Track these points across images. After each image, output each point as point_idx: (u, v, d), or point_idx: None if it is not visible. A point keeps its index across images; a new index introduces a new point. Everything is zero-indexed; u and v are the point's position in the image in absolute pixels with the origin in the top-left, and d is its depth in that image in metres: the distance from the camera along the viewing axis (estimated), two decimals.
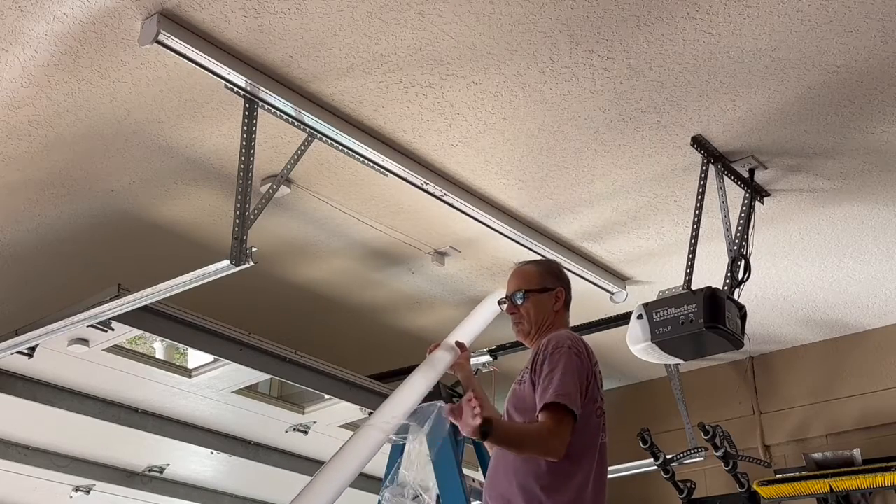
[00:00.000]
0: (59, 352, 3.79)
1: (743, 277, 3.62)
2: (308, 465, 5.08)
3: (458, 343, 3.41)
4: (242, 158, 3.12)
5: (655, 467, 4.91)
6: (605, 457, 2.76)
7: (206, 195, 3.82)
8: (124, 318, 3.54)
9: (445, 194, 3.70)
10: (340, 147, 3.40)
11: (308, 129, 3.32)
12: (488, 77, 3.16)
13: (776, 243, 4.22)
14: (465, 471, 3.42)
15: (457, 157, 3.60)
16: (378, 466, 4.12)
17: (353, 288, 4.60)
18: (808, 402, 5.19)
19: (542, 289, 2.92)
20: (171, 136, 3.44)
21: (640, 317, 3.52)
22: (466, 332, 3.86)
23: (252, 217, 3.11)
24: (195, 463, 4.96)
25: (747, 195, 3.71)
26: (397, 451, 3.54)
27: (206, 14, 2.84)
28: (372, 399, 4.44)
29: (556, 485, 2.61)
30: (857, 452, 4.68)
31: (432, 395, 3.60)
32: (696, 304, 3.39)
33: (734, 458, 4.78)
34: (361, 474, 5.22)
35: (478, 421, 2.50)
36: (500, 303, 3.02)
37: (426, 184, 3.63)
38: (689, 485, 5.04)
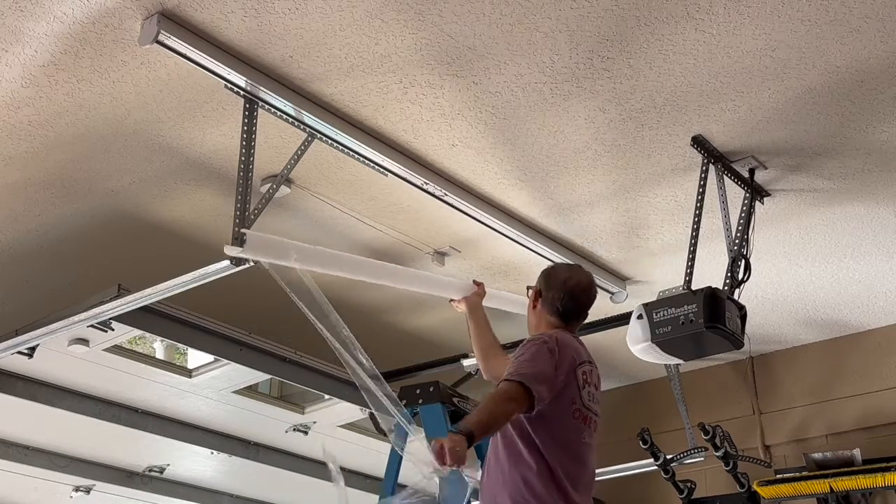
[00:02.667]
0: (59, 352, 3.79)
1: (743, 277, 3.62)
2: (308, 465, 5.07)
3: (475, 282, 3.52)
4: (242, 158, 3.12)
5: (655, 467, 4.91)
6: (584, 458, 2.83)
7: (206, 195, 3.82)
8: (124, 318, 3.54)
9: (445, 194, 3.70)
10: (340, 147, 3.40)
11: (308, 129, 3.32)
12: (488, 77, 3.16)
13: (776, 243, 4.22)
14: (465, 471, 3.42)
15: (457, 157, 3.60)
16: (378, 466, 4.12)
17: (354, 288, 4.60)
18: (808, 402, 5.19)
19: (537, 289, 3.00)
20: (171, 136, 3.44)
21: (640, 317, 3.52)
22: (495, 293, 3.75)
23: (252, 217, 3.11)
24: (195, 463, 4.96)
25: (747, 195, 3.71)
26: (396, 456, 3.55)
27: (206, 14, 2.84)
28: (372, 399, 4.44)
29: (536, 480, 2.68)
30: (857, 452, 4.68)
31: (430, 396, 3.60)
32: (696, 304, 3.39)
33: (734, 458, 4.78)
34: (360, 474, 5.25)
35: (460, 450, 2.49)
36: None
37: (426, 184, 3.63)
38: (689, 485, 5.04)
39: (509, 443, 2.75)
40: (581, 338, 3.27)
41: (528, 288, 3.07)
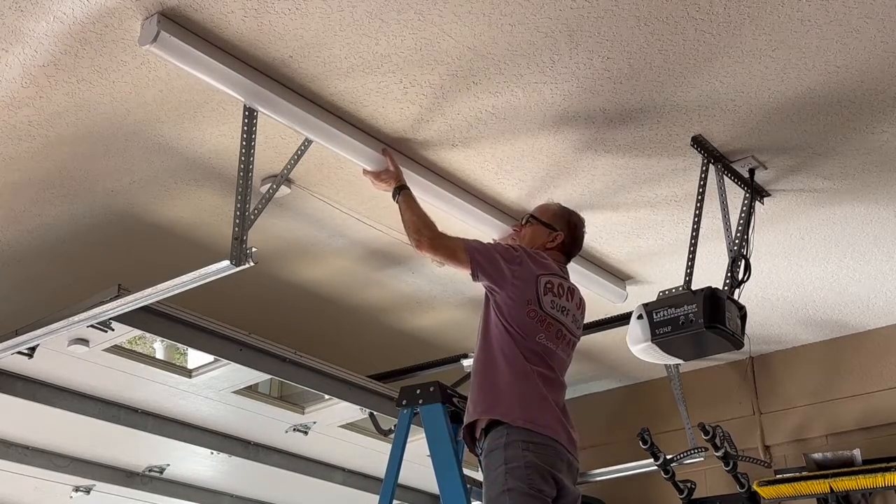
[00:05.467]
0: (59, 352, 3.78)
1: (743, 277, 3.62)
2: (308, 465, 5.07)
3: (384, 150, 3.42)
4: (242, 158, 3.12)
5: (655, 467, 4.91)
6: (547, 361, 3.06)
7: (206, 195, 3.82)
8: (124, 318, 3.54)
9: (446, 194, 3.69)
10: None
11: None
12: (488, 77, 3.16)
13: (776, 243, 4.22)
14: (465, 471, 3.42)
15: (457, 157, 3.60)
16: (378, 466, 4.12)
17: (354, 288, 4.60)
18: (808, 402, 5.19)
19: (546, 224, 3.32)
20: (171, 136, 3.44)
21: (640, 317, 3.52)
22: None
23: (252, 217, 3.11)
24: (195, 463, 4.96)
25: (747, 195, 3.71)
26: (398, 452, 3.55)
27: (206, 14, 2.84)
28: (372, 399, 4.44)
29: (490, 378, 3.01)
30: (857, 452, 4.68)
31: (430, 396, 3.59)
32: (696, 304, 3.39)
33: (734, 458, 4.78)
34: (360, 474, 5.25)
35: (393, 185, 3.28)
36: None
37: (426, 184, 3.62)
38: (689, 485, 5.04)
39: (485, 342, 3.06)
40: (582, 338, 3.31)
41: (520, 223, 3.44)
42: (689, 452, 4.83)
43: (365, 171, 3.41)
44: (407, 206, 3.25)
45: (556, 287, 3.13)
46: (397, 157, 3.46)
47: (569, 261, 3.37)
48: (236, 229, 3.07)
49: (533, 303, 3.05)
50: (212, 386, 4.24)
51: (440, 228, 3.23)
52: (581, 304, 3.27)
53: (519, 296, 3.04)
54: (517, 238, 3.42)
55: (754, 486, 4.80)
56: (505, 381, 2.98)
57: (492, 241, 3.41)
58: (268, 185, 3.43)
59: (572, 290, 3.21)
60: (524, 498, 2.80)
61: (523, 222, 3.41)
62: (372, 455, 4.86)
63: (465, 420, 3.09)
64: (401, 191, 3.29)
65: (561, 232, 3.32)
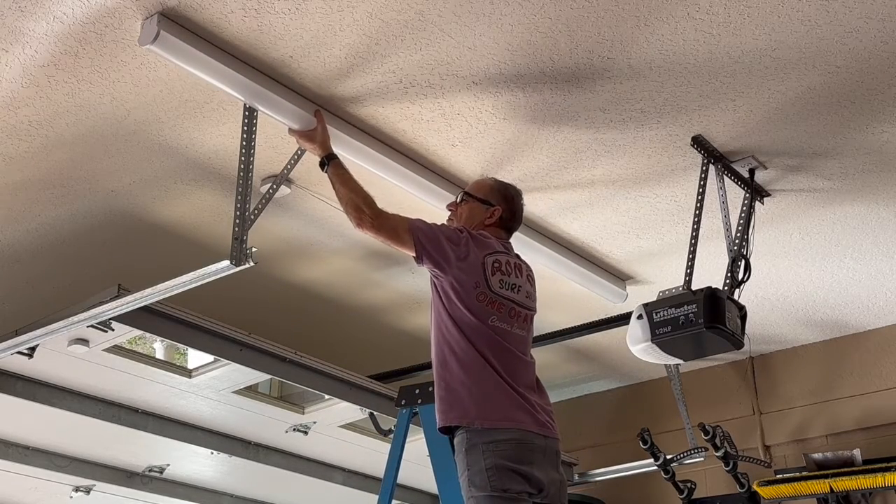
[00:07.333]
0: (59, 352, 3.78)
1: (743, 277, 3.62)
2: (308, 465, 5.07)
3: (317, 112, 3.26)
4: (242, 158, 3.12)
5: (655, 467, 4.91)
6: (503, 343, 2.95)
7: (206, 195, 3.82)
8: (124, 318, 3.53)
9: (445, 194, 3.69)
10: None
11: None
12: (488, 77, 3.16)
13: (776, 243, 4.22)
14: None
15: (457, 157, 3.60)
16: (378, 466, 4.12)
17: (353, 288, 4.61)
18: (808, 402, 5.19)
19: (482, 200, 3.19)
20: (171, 136, 3.44)
21: (640, 317, 3.52)
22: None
23: (252, 217, 3.11)
24: (195, 463, 4.95)
25: (747, 195, 3.72)
26: (397, 451, 3.55)
27: (207, 14, 2.84)
28: (372, 399, 4.44)
29: (444, 379, 2.95)
30: (857, 452, 4.68)
31: (429, 396, 3.59)
32: (696, 304, 3.39)
33: (734, 458, 4.78)
34: (360, 474, 5.25)
35: (320, 152, 3.13)
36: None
37: (426, 184, 3.62)
38: (689, 485, 5.04)
39: (435, 341, 3.02)
40: (582, 338, 3.31)
41: (455, 201, 3.27)
42: (689, 452, 4.84)
43: (290, 131, 3.24)
44: (340, 179, 3.09)
45: (503, 265, 3.03)
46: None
47: (510, 235, 3.24)
48: (236, 229, 3.07)
49: (481, 286, 2.94)
50: (212, 386, 4.24)
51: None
52: (530, 278, 3.16)
53: (465, 280, 2.93)
54: (454, 218, 3.25)
55: (754, 486, 4.81)
56: (457, 380, 2.90)
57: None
58: (268, 185, 3.42)
59: (520, 266, 3.11)
60: (488, 501, 2.75)
61: (458, 200, 3.26)
62: (372, 455, 4.86)
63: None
64: (330, 160, 3.14)
65: (498, 207, 3.17)
